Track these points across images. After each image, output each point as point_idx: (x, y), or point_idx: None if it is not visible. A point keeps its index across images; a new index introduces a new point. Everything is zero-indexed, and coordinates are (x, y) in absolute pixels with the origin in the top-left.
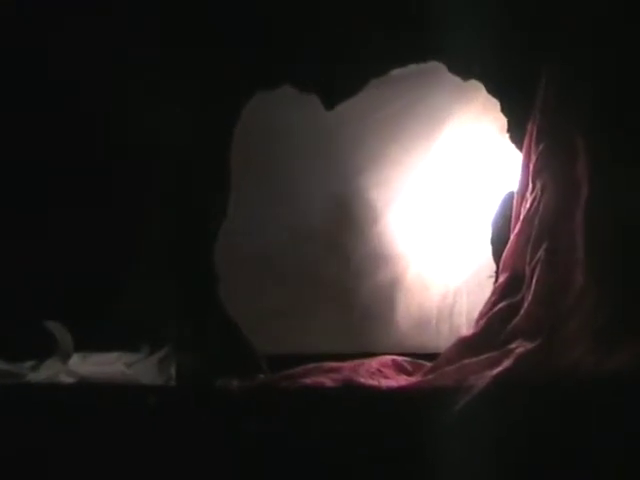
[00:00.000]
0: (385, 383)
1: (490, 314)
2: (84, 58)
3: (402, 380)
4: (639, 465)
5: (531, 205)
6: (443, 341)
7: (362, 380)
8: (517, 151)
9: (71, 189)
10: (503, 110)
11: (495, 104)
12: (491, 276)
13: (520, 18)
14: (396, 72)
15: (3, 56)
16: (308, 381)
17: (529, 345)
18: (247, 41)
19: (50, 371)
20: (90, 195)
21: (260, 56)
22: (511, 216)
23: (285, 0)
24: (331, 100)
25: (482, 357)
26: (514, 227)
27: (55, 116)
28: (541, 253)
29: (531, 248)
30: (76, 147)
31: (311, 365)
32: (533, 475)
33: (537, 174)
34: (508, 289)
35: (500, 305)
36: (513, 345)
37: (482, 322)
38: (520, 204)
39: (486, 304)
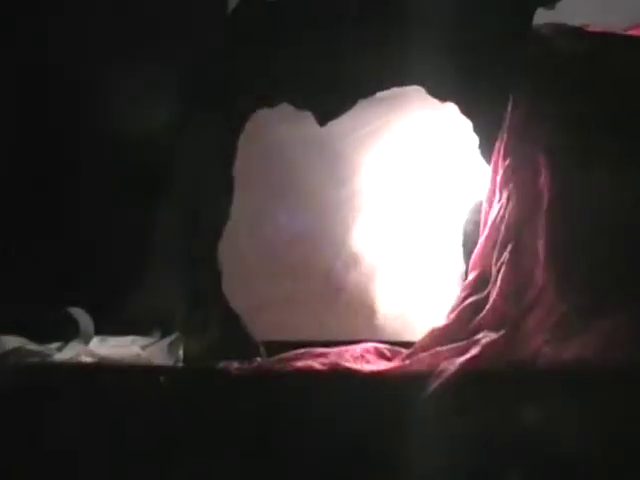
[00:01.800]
0: (367, 367)
1: (460, 308)
2: (88, 66)
3: (382, 365)
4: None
5: (498, 213)
6: (418, 331)
7: (347, 364)
8: (486, 165)
9: (94, 186)
10: (475, 130)
11: (468, 124)
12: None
13: (492, 51)
14: (380, 94)
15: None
16: (299, 364)
17: (494, 336)
18: (253, 68)
19: (73, 352)
20: (111, 195)
21: (263, 80)
22: (480, 222)
23: (286, 32)
24: (324, 117)
25: (452, 346)
26: (482, 232)
27: (67, 120)
28: (506, 255)
29: (497, 250)
30: (98, 153)
31: (302, 350)
32: (494, 449)
33: (503, 186)
34: (476, 286)
35: (469, 300)
36: (480, 336)
37: (453, 315)
38: (488, 212)
39: (457, 299)
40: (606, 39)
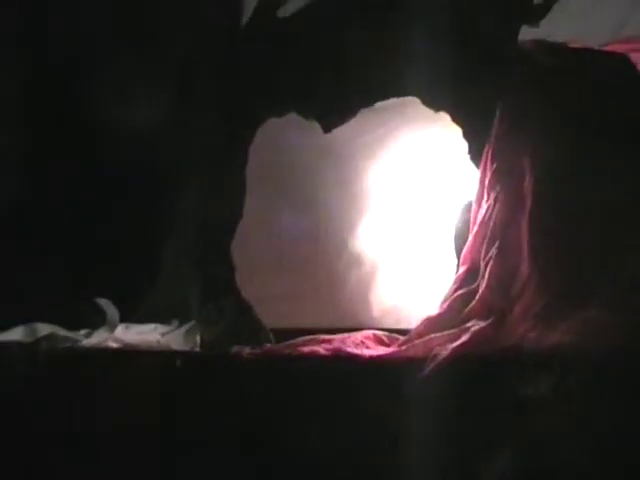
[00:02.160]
0: (367, 352)
1: (452, 299)
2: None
3: (381, 350)
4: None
5: (486, 212)
6: (413, 320)
7: (349, 349)
8: (475, 169)
9: (118, 188)
10: (465, 136)
11: (459, 131)
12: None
13: (481, 66)
14: (380, 104)
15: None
16: (305, 350)
17: (482, 324)
18: (264, 80)
19: (100, 338)
20: (139, 200)
21: (272, 90)
22: (470, 221)
23: (296, 49)
24: (328, 125)
25: (445, 333)
26: (472, 229)
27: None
28: (493, 250)
29: (485, 246)
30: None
31: (308, 337)
32: (483, 425)
33: (491, 187)
34: (466, 279)
35: (460, 291)
36: (470, 324)
37: (445, 305)
38: (477, 211)
39: (449, 290)
40: (586, 54)
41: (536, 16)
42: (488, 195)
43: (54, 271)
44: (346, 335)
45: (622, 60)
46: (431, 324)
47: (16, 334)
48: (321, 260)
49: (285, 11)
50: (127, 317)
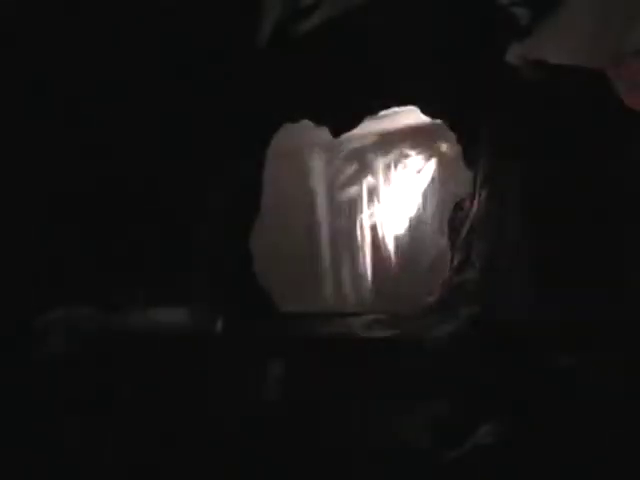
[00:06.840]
0: (374, 334)
1: (446, 285)
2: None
3: (388, 332)
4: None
5: (477, 210)
6: (412, 304)
7: (358, 331)
8: (469, 171)
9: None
10: (459, 141)
11: (453, 137)
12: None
13: (473, 79)
14: (383, 112)
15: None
16: (313, 330)
17: (472, 308)
18: (281, 92)
19: (133, 320)
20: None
21: (288, 99)
22: (462, 217)
23: (308, 64)
24: (337, 131)
25: (440, 316)
26: (465, 224)
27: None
28: (483, 244)
29: (476, 240)
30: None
31: (320, 319)
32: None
33: (482, 187)
34: (459, 268)
35: (453, 279)
36: (461, 308)
37: (441, 291)
38: (469, 208)
39: (444, 279)
40: (564, 70)
41: (522, 35)
42: (479, 194)
43: (96, 263)
44: (355, 318)
45: (597, 76)
46: (428, 308)
47: (57, 315)
48: (323, 253)
49: (298, 31)
50: (156, 301)
